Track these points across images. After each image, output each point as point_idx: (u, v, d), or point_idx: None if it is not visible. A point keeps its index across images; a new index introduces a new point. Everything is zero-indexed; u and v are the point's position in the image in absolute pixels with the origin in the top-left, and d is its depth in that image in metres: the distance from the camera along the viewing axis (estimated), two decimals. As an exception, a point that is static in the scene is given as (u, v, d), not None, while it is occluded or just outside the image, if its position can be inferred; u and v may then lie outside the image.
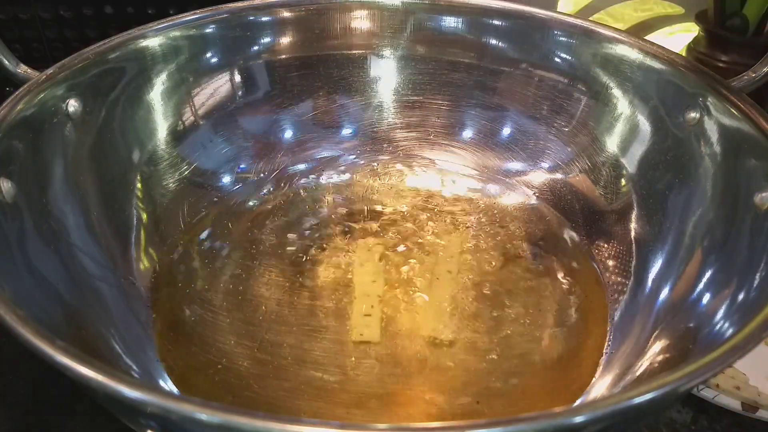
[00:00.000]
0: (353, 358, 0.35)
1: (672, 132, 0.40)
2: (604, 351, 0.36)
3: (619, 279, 0.39)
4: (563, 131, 0.46)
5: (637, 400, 0.20)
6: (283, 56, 0.48)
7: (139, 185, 0.41)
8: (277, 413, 0.28)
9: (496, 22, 0.47)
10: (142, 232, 0.40)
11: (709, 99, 0.37)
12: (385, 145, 0.50)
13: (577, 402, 0.33)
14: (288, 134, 0.49)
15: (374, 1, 0.48)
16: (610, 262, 0.40)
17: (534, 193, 0.46)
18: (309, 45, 0.48)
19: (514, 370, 0.35)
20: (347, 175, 0.48)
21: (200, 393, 0.33)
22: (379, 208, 0.45)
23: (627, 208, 0.42)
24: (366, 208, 0.45)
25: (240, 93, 0.47)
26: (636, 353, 0.33)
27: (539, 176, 0.47)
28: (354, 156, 0.49)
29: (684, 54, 0.61)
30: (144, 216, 0.41)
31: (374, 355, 0.35)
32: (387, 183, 0.48)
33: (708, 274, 0.34)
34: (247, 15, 0.46)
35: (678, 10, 0.69)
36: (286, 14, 0.47)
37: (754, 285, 0.29)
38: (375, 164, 0.49)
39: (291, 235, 0.43)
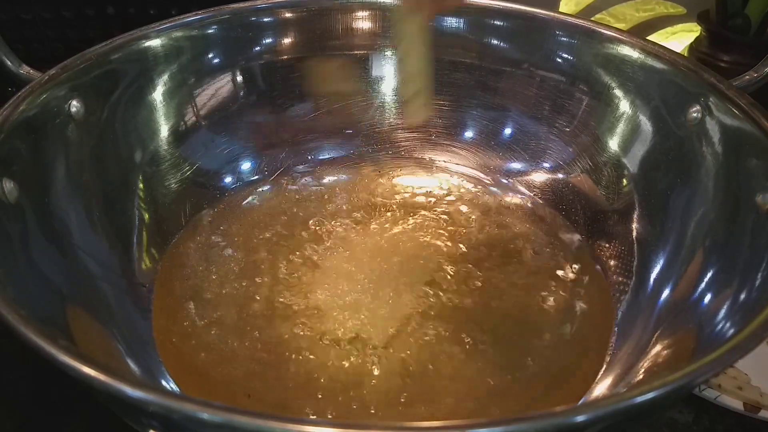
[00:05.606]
0: (355, 358, 0.35)
1: (674, 132, 0.40)
2: (607, 351, 0.36)
3: (621, 279, 0.39)
4: (565, 131, 0.46)
5: (639, 399, 0.20)
6: (285, 57, 0.48)
7: (141, 185, 0.41)
8: (278, 412, 0.28)
9: (497, 22, 0.47)
10: (144, 232, 0.40)
11: (710, 99, 0.37)
12: (386, 146, 0.50)
13: (580, 402, 0.33)
14: (289, 134, 0.49)
15: (375, 2, 0.48)
16: (612, 262, 0.40)
17: (535, 193, 0.46)
18: (310, 45, 0.48)
19: (516, 370, 0.35)
20: (349, 176, 0.48)
21: (202, 392, 0.33)
22: (380, 208, 0.45)
23: (629, 208, 0.42)
24: (367, 208, 0.45)
25: (242, 93, 0.48)
26: (638, 353, 0.33)
27: (541, 176, 0.47)
28: (355, 156, 0.49)
29: (686, 54, 0.61)
30: (146, 216, 0.41)
31: (377, 356, 0.35)
32: (388, 183, 0.48)
33: (709, 274, 0.33)
34: (248, 16, 0.46)
35: (680, 10, 0.69)
36: (288, 15, 0.47)
37: (756, 285, 0.29)
38: (376, 165, 0.49)
39: (292, 235, 0.43)
